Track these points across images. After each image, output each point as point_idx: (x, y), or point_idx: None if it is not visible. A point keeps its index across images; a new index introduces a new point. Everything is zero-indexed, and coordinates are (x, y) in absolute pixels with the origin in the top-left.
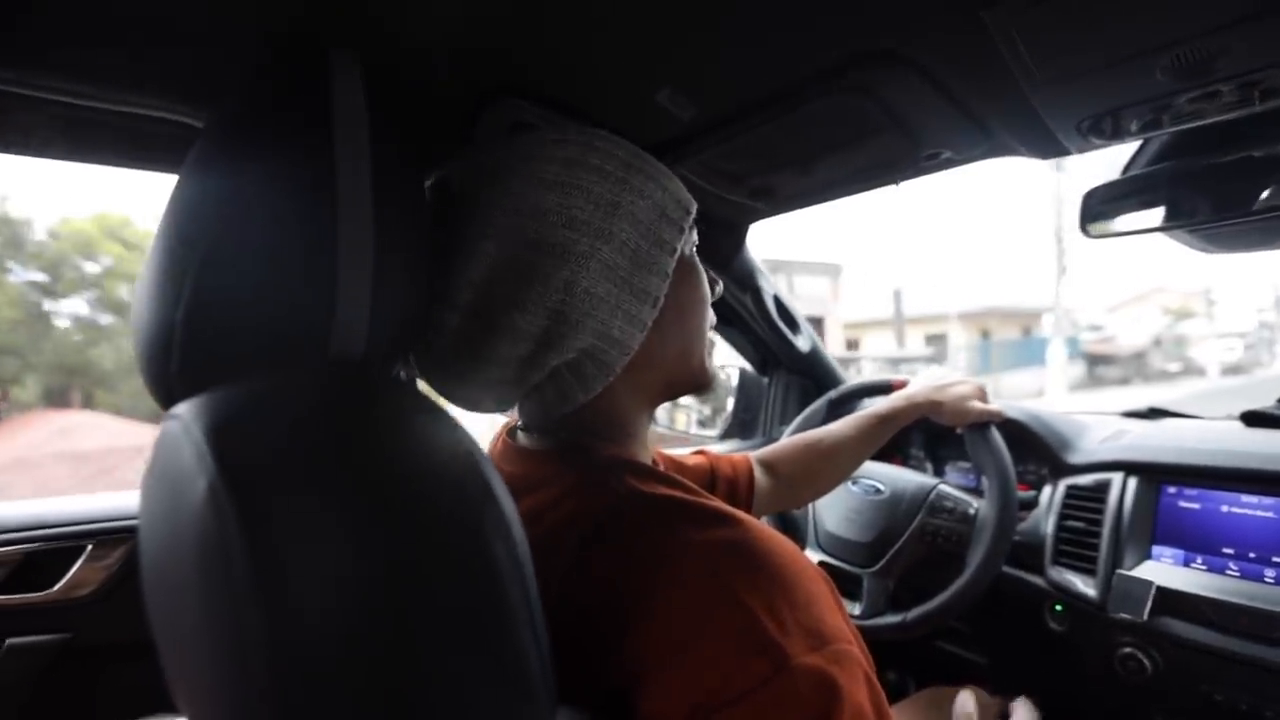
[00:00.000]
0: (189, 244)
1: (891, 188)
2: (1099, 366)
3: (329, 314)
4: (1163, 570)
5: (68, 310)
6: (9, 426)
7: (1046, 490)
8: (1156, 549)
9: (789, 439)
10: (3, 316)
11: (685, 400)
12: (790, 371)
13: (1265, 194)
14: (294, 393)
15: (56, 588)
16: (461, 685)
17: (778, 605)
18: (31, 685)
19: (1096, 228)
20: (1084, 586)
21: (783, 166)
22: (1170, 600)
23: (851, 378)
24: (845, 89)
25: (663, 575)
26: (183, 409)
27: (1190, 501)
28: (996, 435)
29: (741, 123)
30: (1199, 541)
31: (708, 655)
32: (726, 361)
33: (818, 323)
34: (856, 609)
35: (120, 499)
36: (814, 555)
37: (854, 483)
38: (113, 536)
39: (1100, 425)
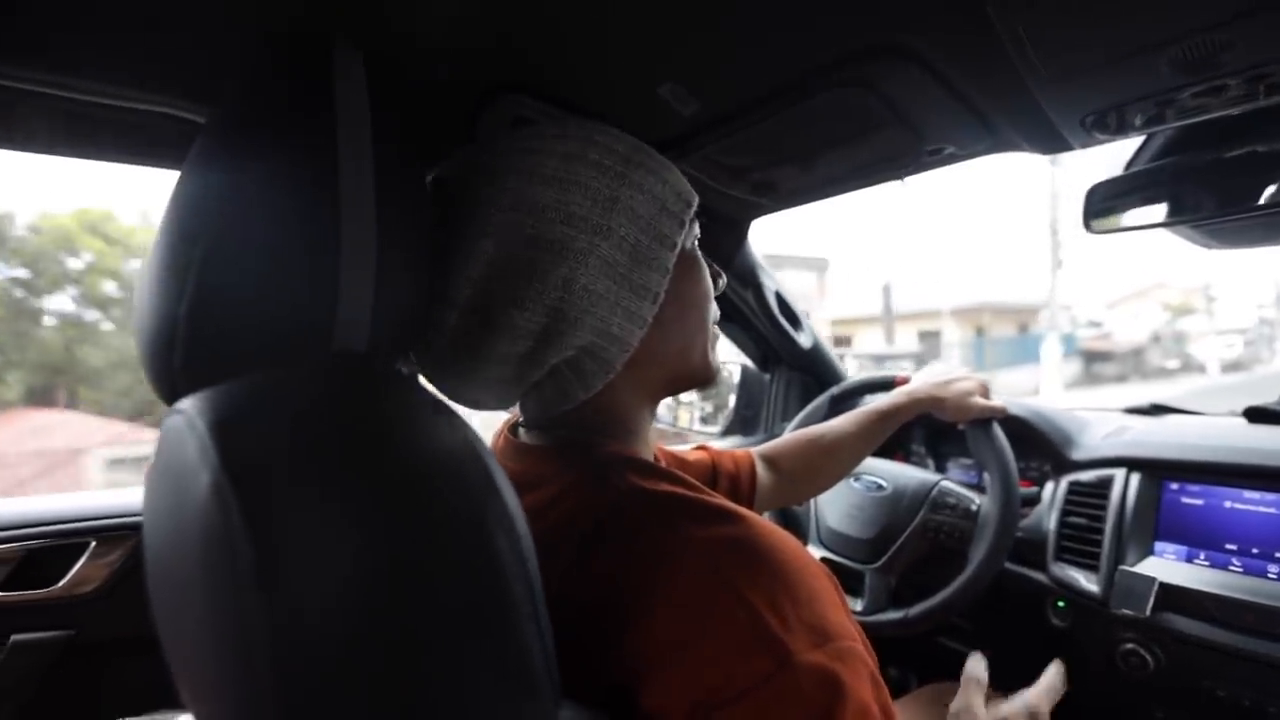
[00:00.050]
0: (191, 240)
1: (896, 184)
2: (1096, 363)
3: (331, 310)
4: (1165, 566)
5: (51, 307)
6: None
7: (1049, 486)
8: (1159, 545)
9: (791, 434)
10: None
11: (687, 397)
12: (792, 368)
13: (1269, 189)
14: (297, 387)
15: (60, 584)
16: (465, 679)
17: (780, 602)
18: (36, 681)
19: (1100, 223)
20: (1086, 583)
21: (785, 162)
22: (1173, 596)
23: (853, 374)
24: (848, 84)
25: (664, 572)
26: (186, 404)
27: (1193, 497)
28: (999, 431)
29: (744, 118)
30: (1202, 537)
31: (709, 652)
32: (728, 358)
33: None
34: (858, 605)
35: (124, 495)
36: (816, 551)
37: (856, 479)
38: (116, 533)
39: (1102, 421)
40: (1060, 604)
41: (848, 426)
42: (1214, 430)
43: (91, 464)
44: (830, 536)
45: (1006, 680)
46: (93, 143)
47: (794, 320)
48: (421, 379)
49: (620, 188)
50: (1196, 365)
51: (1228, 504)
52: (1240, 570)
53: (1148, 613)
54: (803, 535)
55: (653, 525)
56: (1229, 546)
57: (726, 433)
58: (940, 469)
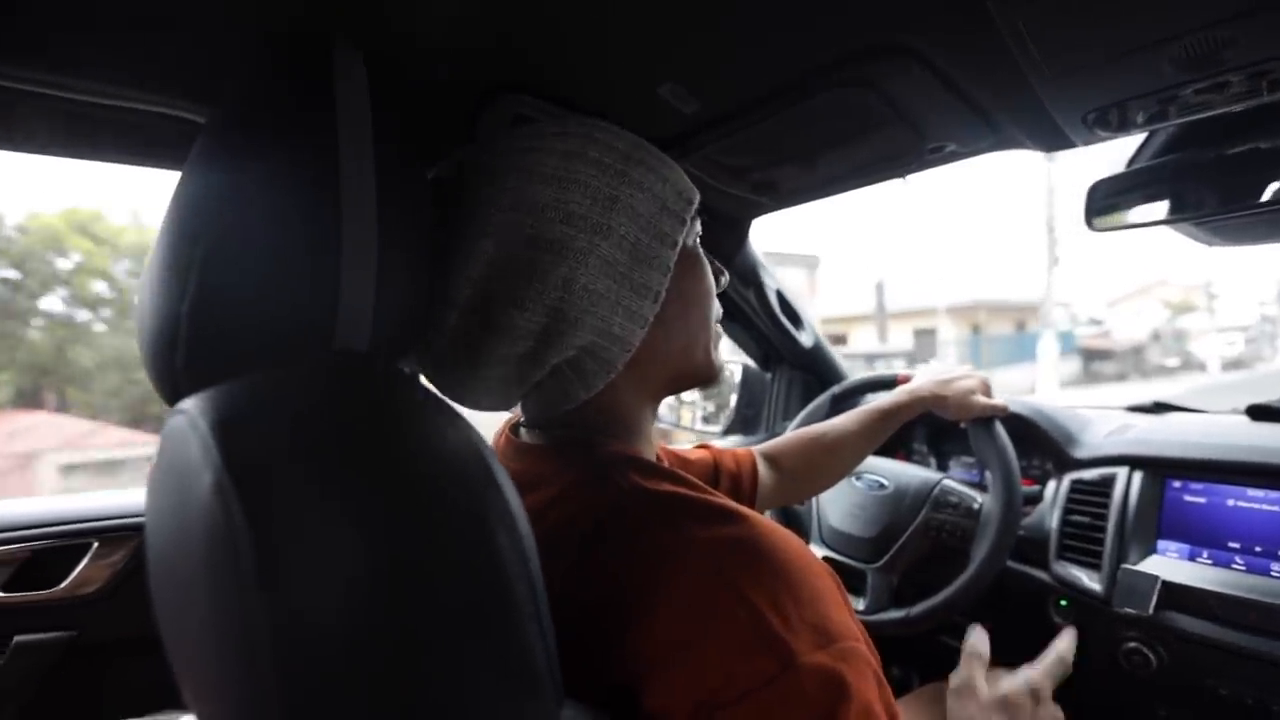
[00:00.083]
0: (193, 239)
1: (896, 182)
2: (1095, 362)
3: (333, 309)
4: (1168, 565)
5: (40, 307)
6: None
7: (1051, 485)
8: (1162, 543)
9: (792, 433)
10: None
11: (689, 396)
12: (793, 367)
13: (1272, 186)
14: (299, 387)
15: (63, 585)
16: (466, 678)
17: (783, 602)
18: (38, 682)
19: (1102, 221)
20: (1089, 581)
21: (786, 161)
22: (1176, 595)
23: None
24: (849, 82)
25: (666, 572)
26: (189, 404)
27: (1196, 495)
28: (1001, 430)
29: (744, 117)
30: (1205, 536)
31: (712, 653)
32: (729, 358)
33: None
34: (860, 604)
35: (126, 497)
36: (818, 550)
37: (858, 478)
38: (119, 534)
39: (1105, 420)
40: (1063, 603)
41: (849, 425)
42: (1217, 428)
43: (45, 470)
44: (832, 535)
45: None
46: (93, 143)
47: (795, 319)
48: (423, 379)
49: (620, 186)
50: (1197, 363)
51: (1230, 502)
52: (1243, 568)
53: (1150, 611)
54: (805, 534)
55: (655, 525)
56: (1232, 545)
57: (728, 432)
58: (942, 468)
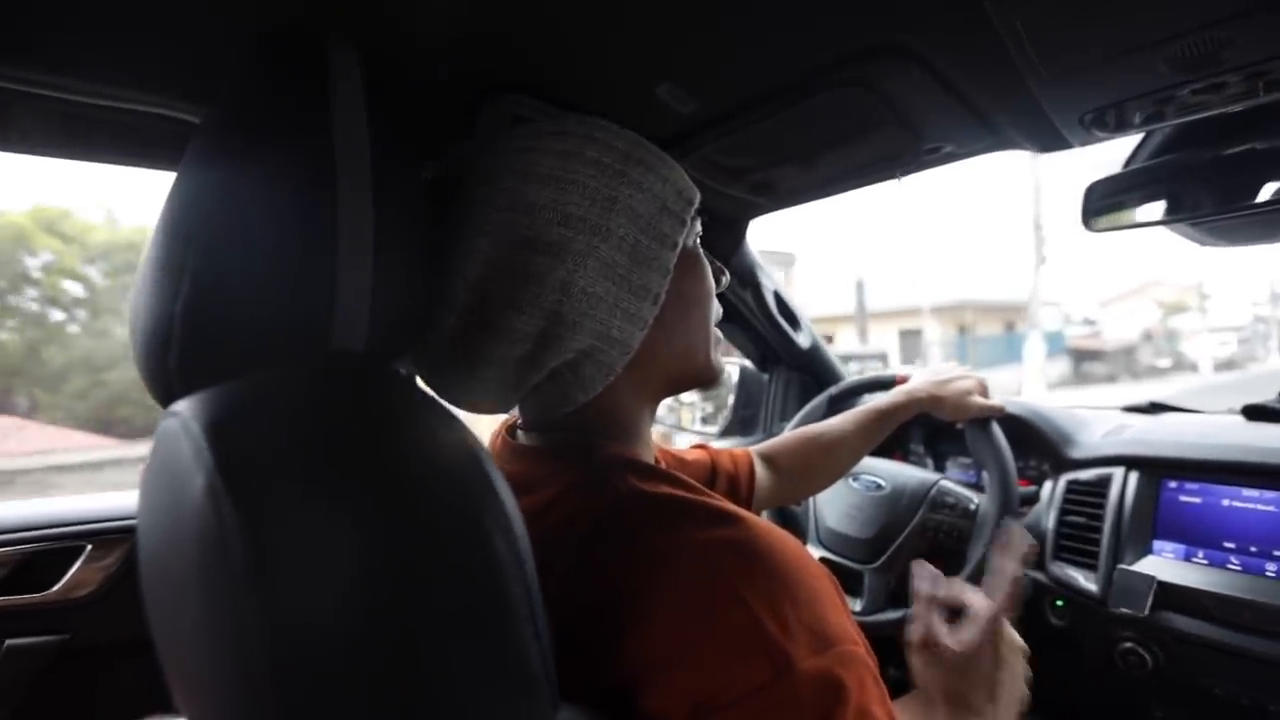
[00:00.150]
0: (186, 239)
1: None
2: (1086, 362)
3: (329, 309)
4: (1164, 565)
5: (12, 304)
6: None
7: (1047, 485)
8: (1158, 544)
9: (789, 433)
10: None
11: (689, 397)
12: (791, 368)
13: (1268, 186)
14: (293, 388)
15: (56, 588)
16: (461, 679)
17: (780, 605)
18: (30, 686)
19: (1098, 221)
20: (1085, 581)
21: (784, 161)
22: (1171, 595)
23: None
24: (848, 84)
25: (663, 574)
26: (181, 406)
27: (1191, 496)
28: (997, 430)
29: (742, 117)
30: (1200, 536)
31: (709, 657)
32: (727, 359)
33: None
34: (858, 605)
35: (119, 499)
36: (815, 551)
37: (855, 479)
38: (112, 536)
39: (1101, 420)
40: (1059, 603)
41: (846, 425)
42: (1212, 428)
43: None
44: (829, 536)
45: None
46: (87, 144)
47: (793, 320)
48: (419, 380)
49: (619, 186)
50: (1189, 364)
51: (1226, 502)
52: (1238, 568)
53: (1146, 611)
54: (802, 535)
55: (651, 527)
56: (1227, 545)
57: (725, 433)
58: (939, 468)
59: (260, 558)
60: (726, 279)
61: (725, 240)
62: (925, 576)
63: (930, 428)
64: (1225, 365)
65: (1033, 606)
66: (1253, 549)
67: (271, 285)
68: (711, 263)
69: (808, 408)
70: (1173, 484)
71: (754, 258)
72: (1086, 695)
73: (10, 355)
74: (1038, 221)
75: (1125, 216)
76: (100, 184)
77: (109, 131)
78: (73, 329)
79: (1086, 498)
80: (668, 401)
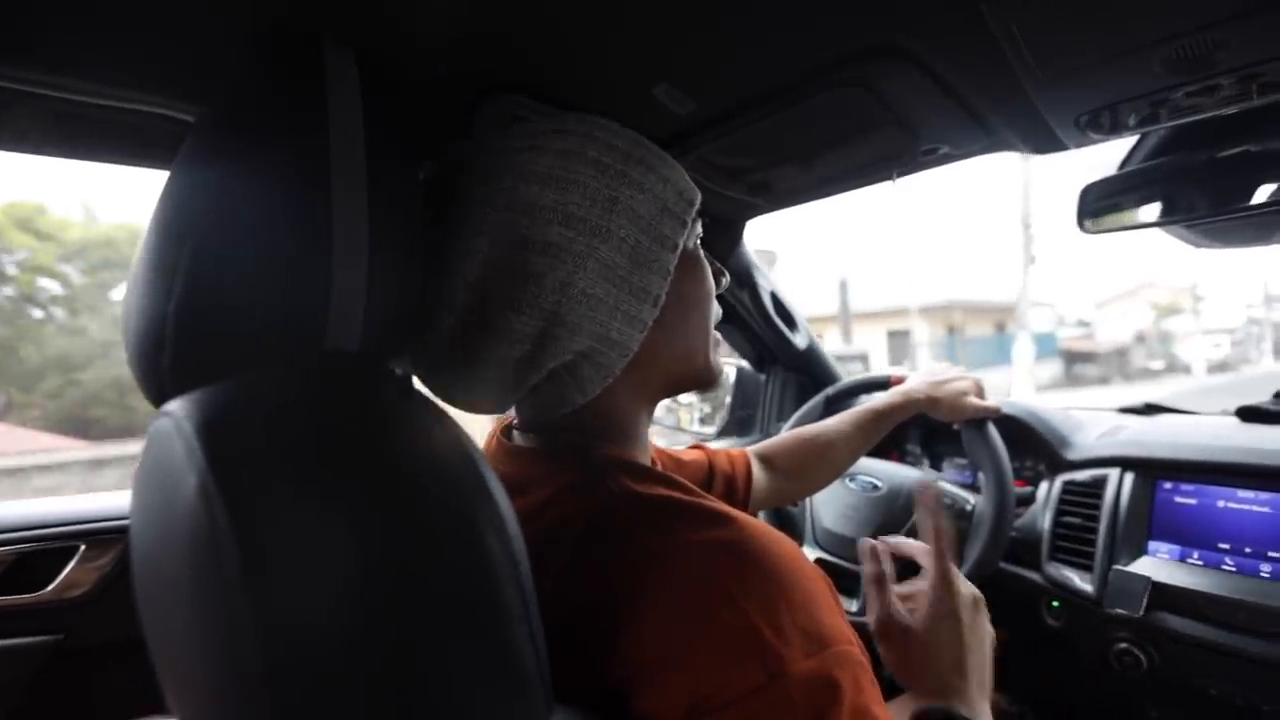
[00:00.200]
0: (179, 239)
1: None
2: (1078, 364)
3: (323, 309)
4: (1159, 565)
5: None
6: None
7: (1043, 486)
8: (1153, 544)
9: (786, 434)
10: None
11: (687, 398)
12: (787, 368)
13: (1262, 188)
14: (286, 387)
15: (49, 589)
16: (455, 680)
17: (774, 607)
18: (24, 687)
19: (1093, 223)
20: (1080, 582)
21: (781, 162)
22: (1166, 595)
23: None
24: (845, 83)
25: (656, 575)
26: (174, 406)
27: (1186, 497)
28: (993, 431)
29: (740, 118)
30: (1195, 537)
31: (703, 659)
32: (724, 359)
33: None
34: (854, 606)
35: (113, 499)
36: (811, 552)
37: (851, 479)
38: (106, 536)
39: (1097, 421)
40: (1054, 604)
41: (843, 426)
42: (1207, 430)
43: None
44: (825, 537)
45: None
46: (80, 143)
47: (789, 320)
48: (415, 380)
49: (620, 187)
50: (1181, 366)
51: (1221, 503)
52: (1233, 569)
53: (1141, 612)
54: (798, 536)
55: (645, 529)
56: (1222, 546)
57: (722, 433)
58: (935, 469)
59: (253, 558)
60: (726, 280)
61: (722, 241)
62: (866, 556)
63: (927, 428)
64: (1218, 367)
65: (1029, 607)
66: (1247, 550)
67: (265, 285)
68: (711, 264)
69: (805, 408)
70: (1168, 485)
71: (751, 258)
72: (1082, 695)
73: None
74: (1026, 220)
75: (1120, 218)
76: (79, 180)
77: (101, 130)
78: (49, 328)
79: (1082, 498)
80: (666, 402)
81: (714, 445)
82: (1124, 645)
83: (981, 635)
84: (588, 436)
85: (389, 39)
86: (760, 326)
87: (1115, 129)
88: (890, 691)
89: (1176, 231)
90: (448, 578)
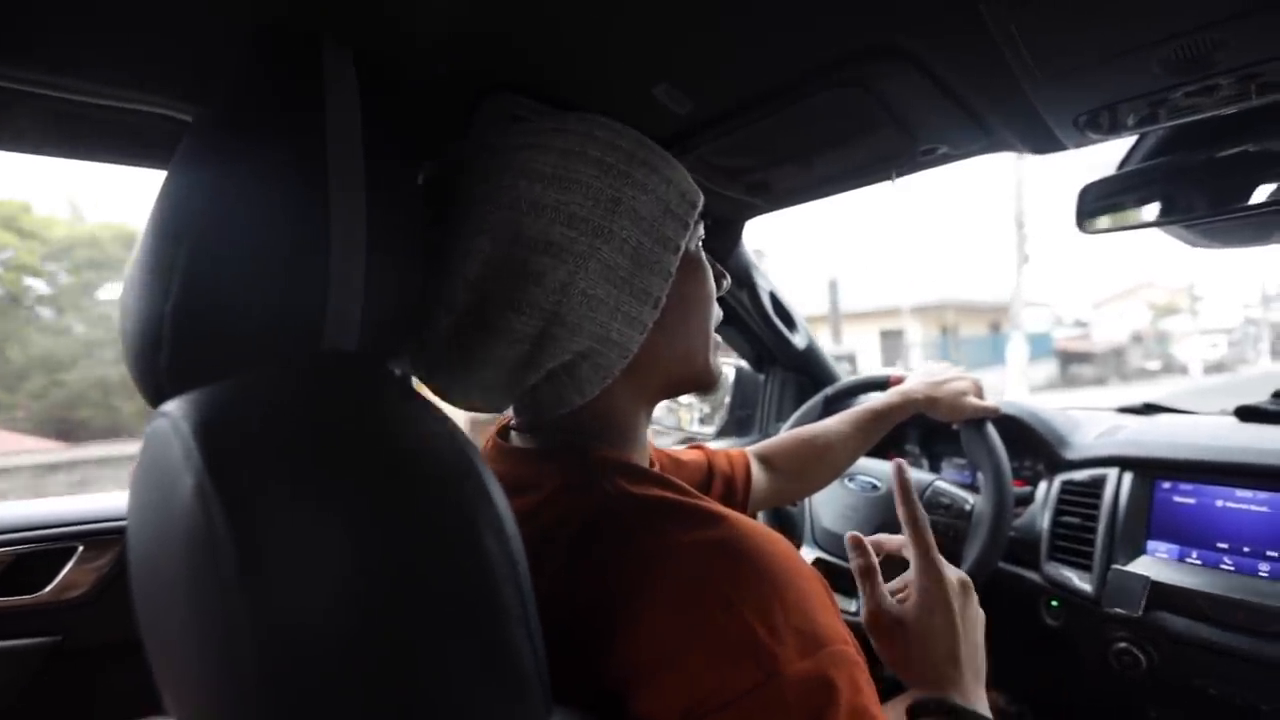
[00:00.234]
0: (176, 239)
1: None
2: (1073, 365)
3: (321, 309)
4: (1157, 565)
5: None
6: None
7: (1042, 486)
8: (1151, 544)
9: (785, 434)
10: None
11: (687, 398)
12: (786, 368)
13: (1261, 189)
14: (284, 387)
15: (47, 590)
16: (453, 680)
17: (769, 607)
18: (22, 689)
19: (1092, 223)
20: (1079, 582)
21: (780, 162)
22: (1165, 595)
23: (847, 375)
24: (844, 83)
25: (651, 576)
26: (171, 407)
27: (1185, 496)
28: (992, 431)
29: (739, 118)
30: (1194, 536)
31: (698, 659)
32: (723, 359)
33: None
34: (853, 606)
35: (112, 500)
36: (810, 552)
37: (850, 479)
38: (104, 537)
39: (1095, 421)
40: (1053, 603)
41: (842, 426)
42: (1206, 429)
43: None
44: (825, 537)
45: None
46: (78, 142)
47: (788, 320)
48: (414, 380)
49: (623, 188)
50: (1178, 366)
51: (1219, 503)
52: (1232, 569)
53: (1140, 612)
54: (797, 536)
55: (640, 530)
56: (1220, 545)
57: (721, 434)
58: (934, 469)
59: (250, 558)
60: (727, 282)
61: (721, 241)
62: (854, 549)
63: (926, 428)
64: (1215, 368)
65: (1028, 607)
66: (1246, 549)
67: (263, 285)
68: (712, 265)
69: (804, 408)
70: (1166, 485)
71: (749, 258)
72: (1081, 695)
73: None
74: (1020, 219)
75: (1119, 218)
76: (66, 178)
77: (105, 131)
78: (30, 328)
79: (1081, 498)
80: (665, 402)
81: (713, 445)
82: (1123, 645)
83: (974, 621)
84: (585, 437)
85: (388, 39)
86: (759, 326)
87: (1114, 129)
88: (889, 692)
89: (1175, 231)
90: (446, 578)
